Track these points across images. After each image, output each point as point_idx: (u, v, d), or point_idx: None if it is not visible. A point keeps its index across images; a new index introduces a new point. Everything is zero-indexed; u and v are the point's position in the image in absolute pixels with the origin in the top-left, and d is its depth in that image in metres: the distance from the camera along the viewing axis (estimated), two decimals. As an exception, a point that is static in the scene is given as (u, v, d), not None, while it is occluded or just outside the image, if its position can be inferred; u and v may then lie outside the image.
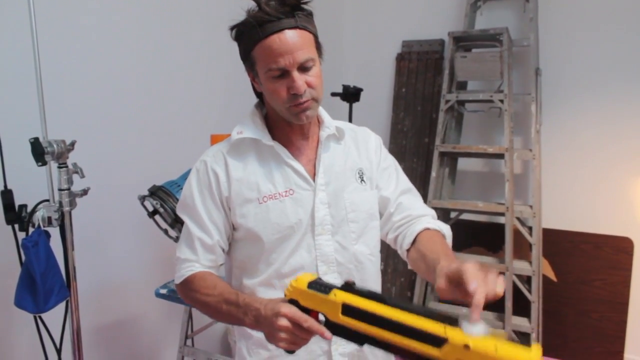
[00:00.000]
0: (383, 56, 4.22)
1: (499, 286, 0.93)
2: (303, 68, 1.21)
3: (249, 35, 1.22)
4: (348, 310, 0.99)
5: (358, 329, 0.97)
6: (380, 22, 4.24)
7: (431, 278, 1.13)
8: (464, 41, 3.61)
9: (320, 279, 1.08)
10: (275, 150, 1.30)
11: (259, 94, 1.38)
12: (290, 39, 1.18)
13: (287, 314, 1.04)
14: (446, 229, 1.42)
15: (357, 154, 1.42)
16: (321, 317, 1.05)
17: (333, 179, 1.34)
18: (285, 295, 1.10)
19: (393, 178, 1.47)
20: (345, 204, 1.33)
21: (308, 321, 1.03)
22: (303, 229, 1.29)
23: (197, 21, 2.89)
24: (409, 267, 1.36)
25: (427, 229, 1.38)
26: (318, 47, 1.27)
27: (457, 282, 0.96)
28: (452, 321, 0.87)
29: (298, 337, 1.05)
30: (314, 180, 1.32)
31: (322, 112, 1.39)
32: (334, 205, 1.32)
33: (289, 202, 1.29)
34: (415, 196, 1.50)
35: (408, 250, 1.37)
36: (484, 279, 0.93)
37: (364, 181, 1.39)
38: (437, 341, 0.86)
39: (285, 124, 1.32)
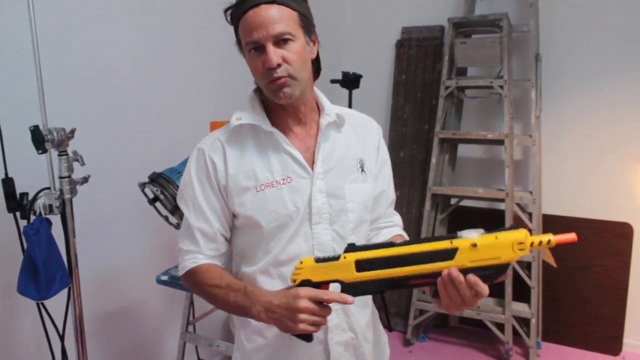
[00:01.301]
0: (383, 43, 4.21)
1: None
2: (280, 42, 1.20)
3: (234, 15, 1.24)
4: (361, 265, 1.06)
5: (375, 278, 1.06)
6: (379, 9, 4.23)
7: None
8: (463, 27, 3.60)
9: (320, 255, 1.15)
10: (274, 137, 1.29)
11: None
12: (265, 13, 1.18)
13: (307, 294, 1.08)
14: None
15: (357, 143, 1.40)
16: (333, 287, 1.11)
17: (333, 168, 1.32)
18: (293, 282, 1.13)
19: (387, 177, 1.48)
20: (346, 194, 1.32)
21: (328, 294, 1.08)
22: (300, 217, 1.28)
23: (195, 8, 2.88)
24: None
25: (400, 234, 1.47)
26: (305, 26, 1.26)
27: None
28: (454, 236, 1.01)
29: (319, 315, 1.09)
30: (312, 168, 1.31)
31: (322, 98, 1.38)
32: (332, 195, 1.31)
33: (287, 190, 1.27)
34: (394, 203, 1.55)
35: None
36: None
37: (364, 172, 1.38)
38: (449, 253, 1.00)
39: (280, 108, 1.31)
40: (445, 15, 3.70)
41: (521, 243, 0.98)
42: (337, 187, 1.32)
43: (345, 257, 1.08)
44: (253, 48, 1.21)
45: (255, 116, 1.31)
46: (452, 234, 1.02)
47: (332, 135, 1.36)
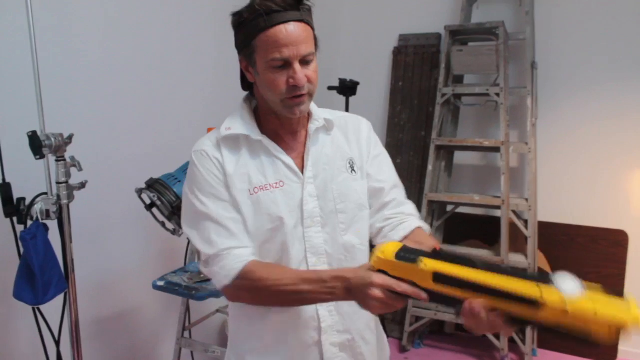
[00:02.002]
0: (380, 50, 4.23)
1: None
2: (304, 62, 1.22)
3: (253, 24, 1.21)
4: (439, 278, 0.99)
5: (451, 294, 0.98)
6: (377, 16, 4.25)
7: None
8: (460, 35, 3.62)
9: (406, 246, 1.07)
10: (264, 144, 1.31)
11: (248, 86, 1.38)
12: (296, 31, 1.19)
13: (380, 284, 1.06)
14: (428, 230, 1.45)
15: (347, 144, 1.41)
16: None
17: (321, 171, 1.34)
18: (372, 266, 1.09)
19: (384, 167, 1.46)
20: (334, 195, 1.34)
21: (401, 286, 1.04)
22: (294, 221, 1.30)
23: (194, 14, 2.90)
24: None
25: (420, 228, 1.41)
26: (316, 42, 1.28)
27: None
28: (545, 279, 0.88)
29: (391, 304, 1.07)
30: (302, 173, 1.32)
31: (311, 104, 1.39)
32: (322, 197, 1.32)
33: (279, 193, 1.29)
34: (403, 191, 1.50)
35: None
36: None
37: (355, 171, 1.39)
38: (534, 304, 0.87)
39: (274, 119, 1.32)
40: (442, 23, 3.72)
41: (624, 327, 0.82)
42: (326, 190, 1.33)
43: (425, 264, 1.00)
44: (278, 65, 1.22)
45: (245, 125, 1.32)
46: (545, 274, 0.89)
47: (321, 139, 1.38)
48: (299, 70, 1.21)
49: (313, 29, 1.26)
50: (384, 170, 1.45)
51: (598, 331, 0.83)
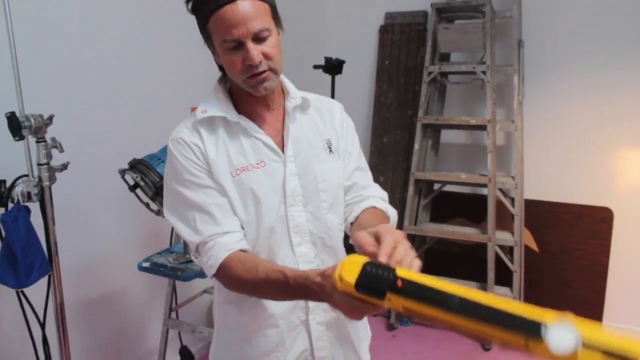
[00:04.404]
0: (366, 28, 4.20)
1: (408, 256, 0.94)
2: (258, 38, 1.19)
3: (203, 8, 1.20)
4: (411, 312, 0.85)
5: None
6: (363, -6, 4.21)
7: None
8: (446, 12, 3.60)
9: (370, 265, 0.89)
10: (242, 125, 1.30)
11: (221, 67, 1.36)
12: (243, 9, 1.16)
13: (340, 307, 0.97)
14: (392, 212, 1.42)
15: (323, 125, 1.41)
16: None
17: (302, 150, 1.33)
18: (335, 283, 0.93)
19: (351, 153, 1.45)
20: (316, 174, 1.34)
21: (362, 310, 0.94)
22: (277, 201, 1.29)
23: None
24: (350, 241, 1.29)
25: (374, 207, 1.39)
26: (275, 17, 1.25)
27: (377, 238, 0.98)
28: (534, 329, 0.74)
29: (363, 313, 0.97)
30: (283, 152, 1.31)
31: (287, 82, 1.38)
32: (303, 176, 1.32)
33: (262, 173, 1.28)
34: (367, 174, 1.50)
35: (352, 224, 1.39)
36: (399, 240, 0.96)
37: (332, 152, 1.39)
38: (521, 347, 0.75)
39: (249, 96, 1.30)
40: (429, 0, 3.69)
41: None
42: (307, 169, 1.33)
43: (390, 301, 0.85)
44: (231, 46, 1.19)
45: (220, 107, 1.30)
46: (532, 321, 0.74)
47: (299, 118, 1.37)
48: (252, 48, 1.18)
49: (270, 4, 1.23)
50: (351, 157, 1.44)
51: None
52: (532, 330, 0.73)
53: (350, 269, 0.90)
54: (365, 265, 0.89)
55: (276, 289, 1.14)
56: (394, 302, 0.85)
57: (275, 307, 1.31)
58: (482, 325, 0.78)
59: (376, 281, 0.87)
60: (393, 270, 0.87)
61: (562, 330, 0.73)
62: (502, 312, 0.77)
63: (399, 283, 0.85)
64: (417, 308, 0.83)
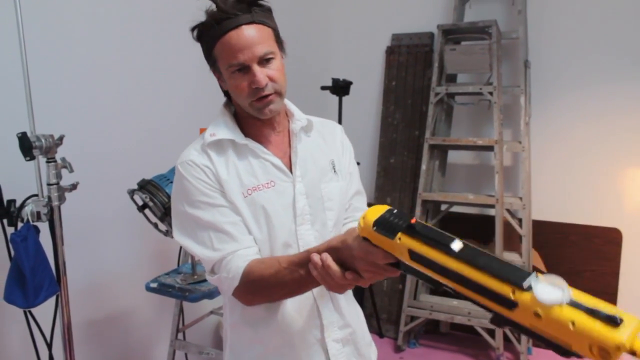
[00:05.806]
0: (373, 49, 4.22)
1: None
2: (263, 62, 1.23)
3: (209, 35, 1.26)
4: (415, 257, 0.93)
5: (428, 274, 0.91)
6: (369, 15, 4.24)
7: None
8: (453, 34, 3.62)
9: (390, 211, 1.01)
10: (250, 147, 1.32)
11: (226, 93, 1.39)
12: (248, 34, 1.21)
13: (362, 267, 1.03)
14: None
15: (326, 146, 1.44)
16: None
17: (309, 170, 1.36)
18: (358, 233, 1.04)
19: (352, 173, 1.49)
20: (322, 194, 1.37)
21: (375, 256, 1.00)
22: (289, 220, 1.32)
23: (186, 15, 2.87)
24: None
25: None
26: (279, 41, 1.30)
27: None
28: (524, 277, 0.77)
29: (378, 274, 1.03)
30: (291, 172, 1.34)
31: (290, 105, 1.41)
32: (311, 196, 1.34)
33: (272, 193, 1.30)
34: (364, 197, 1.54)
35: None
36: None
37: (336, 172, 1.42)
38: (507, 303, 0.78)
39: (255, 119, 1.33)
40: (435, 22, 3.72)
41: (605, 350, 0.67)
42: (314, 188, 1.36)
43: (400, 240, 0.94)
44: (237, 70, 1.24)
45: (228, 130, 1.33)
46: (525, 272, 0.78)
47: (304, 139, 1.41)
48: (258, 72, 1.22)
49: (273, 28, 1.28)
50: (351, 181, 1.48)
51: (577, 347, 0.71)
52: (523, 278, 0.77)
53: (373, 212, 1.01)
54: (386, 211, 1.01)
55: (300, 271, 1.15)
56: (403, 241, 0.93)
57: (291, 326, 1.32)
58: (478, 272, 0.82)
59: (391, 222, 0.98)
60: (408, 218, 0.97)
61: (552, 283, 0.75)
62: (498, 260, 0.83)
63: (413, 220, 0.94)
64: (422, 251, 0.91)
